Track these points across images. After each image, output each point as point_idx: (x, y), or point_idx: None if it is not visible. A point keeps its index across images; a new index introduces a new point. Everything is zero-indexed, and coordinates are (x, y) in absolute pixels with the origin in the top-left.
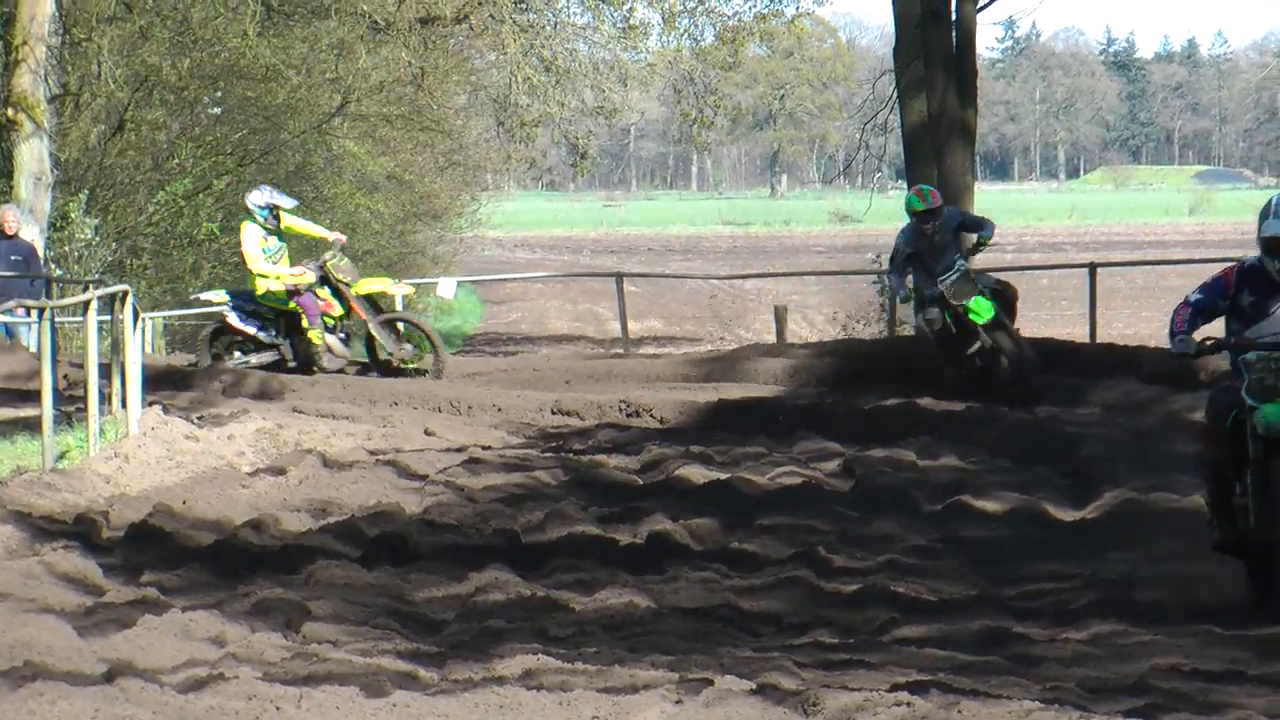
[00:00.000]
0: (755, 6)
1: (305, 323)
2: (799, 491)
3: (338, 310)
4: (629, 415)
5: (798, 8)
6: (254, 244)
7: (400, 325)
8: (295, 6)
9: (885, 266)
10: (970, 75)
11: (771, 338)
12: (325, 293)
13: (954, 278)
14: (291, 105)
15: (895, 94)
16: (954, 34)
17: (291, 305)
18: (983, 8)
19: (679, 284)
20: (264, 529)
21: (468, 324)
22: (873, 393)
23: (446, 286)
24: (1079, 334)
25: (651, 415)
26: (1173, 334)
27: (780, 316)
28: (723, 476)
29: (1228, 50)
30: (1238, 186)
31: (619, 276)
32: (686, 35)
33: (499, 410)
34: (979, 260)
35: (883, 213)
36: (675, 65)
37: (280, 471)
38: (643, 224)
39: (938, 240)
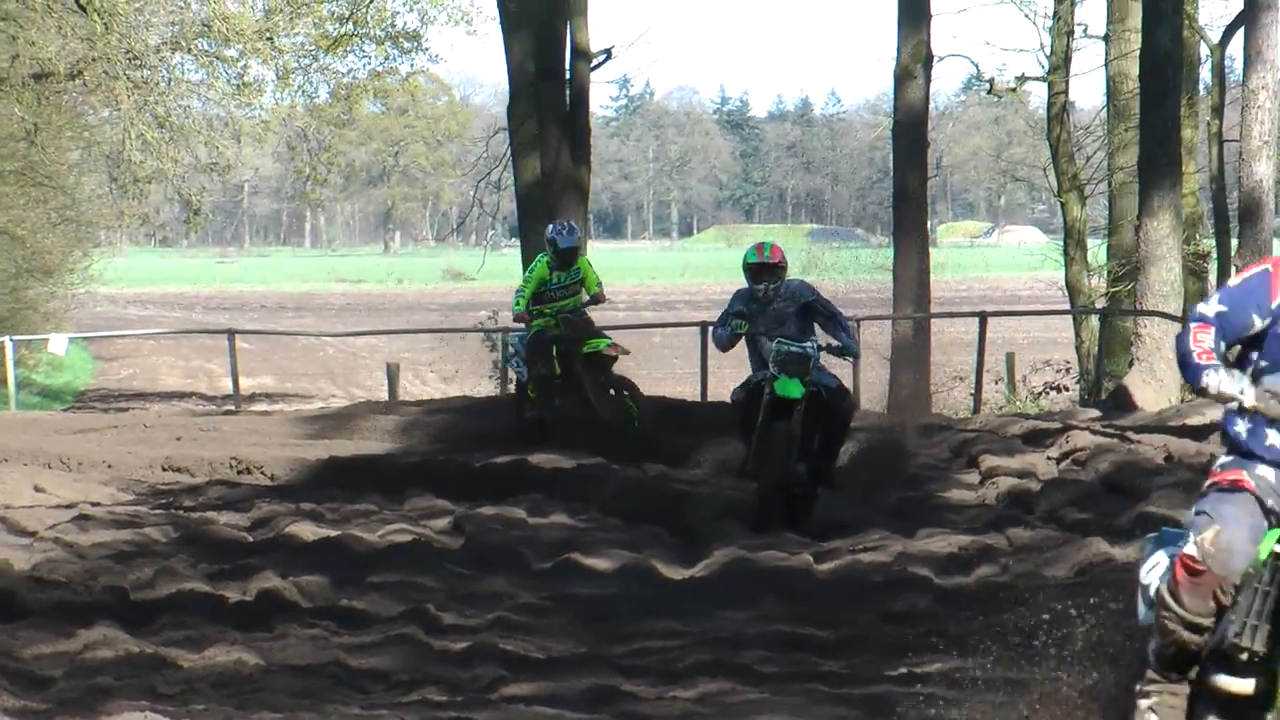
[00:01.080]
0: (370, 64)
1: None
2: (409, 549)
3: None
4: (239, 472)
5: (412, 65)
6: None
7: None
8: None
9: (518, 341)
10: (584, 133)
11: (384, 395)
12: None
13: (791, 348)
14: None
15: (509, 151)
16: (568, 92)
17: None
18: (596, 66)
19: (291, 341)
20: None
21: (79, 380)
22: (484, 450)
23: (58, 343)
24: (690, 392)
25: (262, 472)
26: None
27: (392, 374)
28: (333, 533)
29: (841, 110)
30: (849, 245)
31: (230, 333)
32: (301, 92)
33: (109, 466)
34: None
35: (496, 271)
36: (289, 122)
37: None
38: (256, 280)
39: (774, 308)
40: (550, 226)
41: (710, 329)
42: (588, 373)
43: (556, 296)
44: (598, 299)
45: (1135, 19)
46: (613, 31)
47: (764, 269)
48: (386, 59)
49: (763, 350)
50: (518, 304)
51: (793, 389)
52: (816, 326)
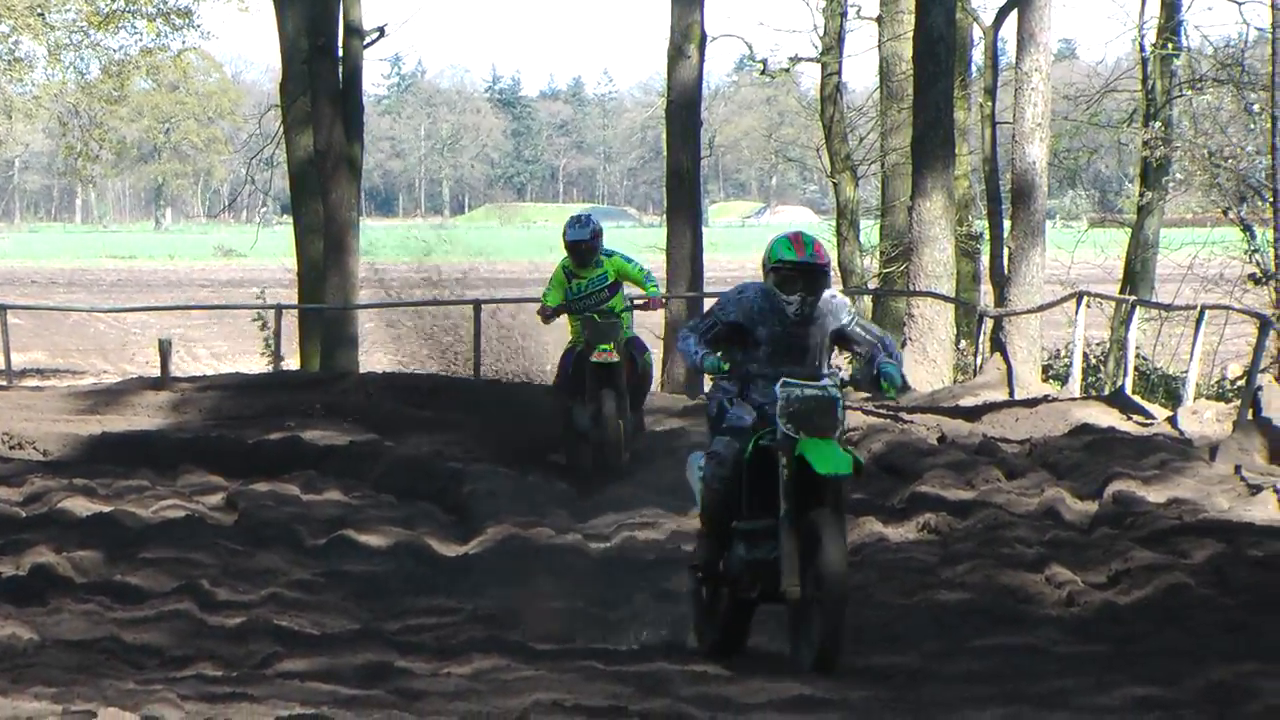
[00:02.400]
0: (141, 41)
1: None
2: (183, 524)
3: None
4: (12, 447)
5: (184, 42)
6: None
7: None
8: None
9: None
10: (357, 110)
11: (156, 371)
12: None
13: (809, 392)
14: None
15: (281, 129)
16: (340, 69)
17: None
18: (369, 44)
19: (63, 316)
20: None
21: None
22: (257, 427)
23: None
24: (463, 370)
25: (35, 448)
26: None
27: (165, 350)
28: (106, 509)
29: (613, 90)
30: (621, 224)
31: (1, 308)
32: (72, 68)
33: None
34: None
35: (268, 247)
36: (61, 98)
37: None
38: (26, 256)
39: (798, 331)
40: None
41: (679, 336)
42: (593, 384)
43: (587, 306)
44: (652, 304)
45: (909, 1)
46: (386, 9)
47: (805, 273)
48: (158, 36)
49: (753, 392)
50: (545, 301)
51: (827, 457)
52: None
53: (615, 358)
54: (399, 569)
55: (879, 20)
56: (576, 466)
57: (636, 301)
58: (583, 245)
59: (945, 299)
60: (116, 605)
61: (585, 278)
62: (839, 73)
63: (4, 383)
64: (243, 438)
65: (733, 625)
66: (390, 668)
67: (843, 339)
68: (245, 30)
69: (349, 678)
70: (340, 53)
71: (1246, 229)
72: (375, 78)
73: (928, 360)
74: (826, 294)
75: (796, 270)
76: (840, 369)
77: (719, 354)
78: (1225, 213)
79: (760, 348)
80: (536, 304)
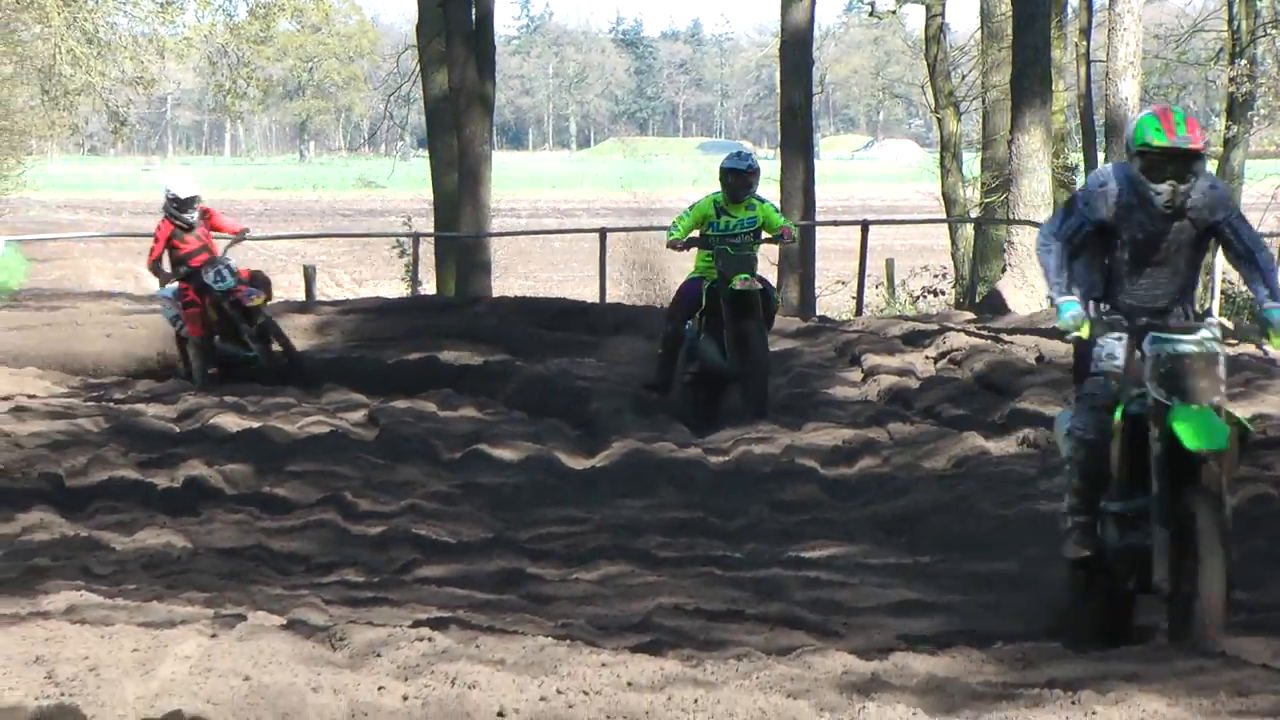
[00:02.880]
0: None
1: None
2: (327, 440)
3: None
4: (166, 367)
5: None
6: None
7: None
8: None
9: (670, 234)
10: (488, 50)
11: (301, 296)
12: None
13: (1186, 348)
14: None
15: (418, 68)
16: (473, 12)
17: None
18: None
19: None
20: None
21: (13, 281)
22: (396, 348)
23: None
24: (590, 294)
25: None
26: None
27: (309, 276)
28: (255, 425)
29: (730, 31)
30: None
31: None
32: (221, 11)
33: (44, 361)
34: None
35: (405, 179)
36: (210, 39)
37: None
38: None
39: (1169, 237)
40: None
41: (1038, 244)
42: (732, 315)
43: (726, 244)
44: (784, 235)
45: None
46: None
47: (1179, 156)
48: None
49: (1118, 286)
50: (672, 233)
51: (1202, 429)
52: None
53: (758, 285)
54: (529, 481)
55: None
56: (684, 402)
57: (765, 235)
58: (741, 175)
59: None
60: (264, 515)
61: (736, 216)
62: (942, 14)
63: (158, 306)
64: (382, 358)
65: (1114, 618)
66: (522, 574)
67: (1217, 235)
68: None
69: (483, 583)
70: None
71: None
72: (506, 19)
73: (1026, 285)
74: (1203, 183)
75: (1165, 156)
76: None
77: (1072, 306)
78: None
79: (1123, 249)
80: (658, 232)
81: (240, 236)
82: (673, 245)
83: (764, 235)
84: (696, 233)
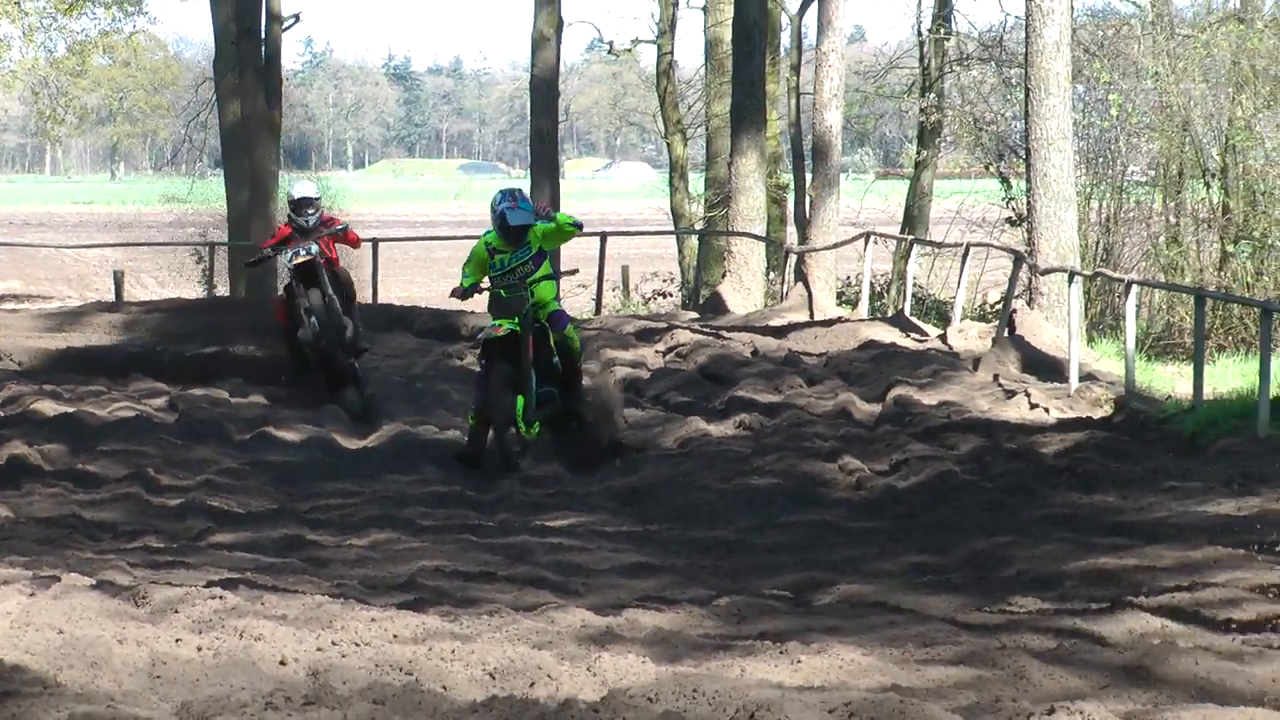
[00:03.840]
0: (100, 25)
1: None
2: (132, 423)
3: None
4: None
5: (135, 26)
6: None
7: None
8: None
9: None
10: (276, 83)
11: (111, 297)
12: None
13: None
14: None
15: (215, 98)
16: (263, 49)
17: None
18: (287, 28)
19: (35, 252)
20: None
21: None
22: (194, 342)
23: None
24: (364, 297)
25: (11, 359)
26: None
27: (118, 280)
28: (70, 410)
29: (487, 67)
30: (493, 176)
31: None
32: (43, 48)
33: None
34: None
35: (203, 196)
36: (33, 72)
37: None
38: (4, 202)
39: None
40: (496, 194)
41: None
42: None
43: (509, 283)
44: (545, 214)
45: None
46: None
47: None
48: (114, 20)
49: None
50: (463, 281)
51: None
52: None
53: (503, 332)
54: (310, 459)
55: (704, 9)
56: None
57: (561, 267)
58: (524, 230)
59: (758, 238)
60: (78, 489)
61: (509, 252)
62: (671, 52)
63: None
64: (182, 351)
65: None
66: (302, 540)
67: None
68: (185, 16)
69: (268, 549)
70: (263, 35)
71: (1004, 181)
72: (292, 55)
73: (743, 289)
74: None
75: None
76: None
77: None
78: (987, 168)
79: None
80: (424, 242)
81: (338, 231)
82: (456, 293)
83: (553, 266)
84: (487, 281)
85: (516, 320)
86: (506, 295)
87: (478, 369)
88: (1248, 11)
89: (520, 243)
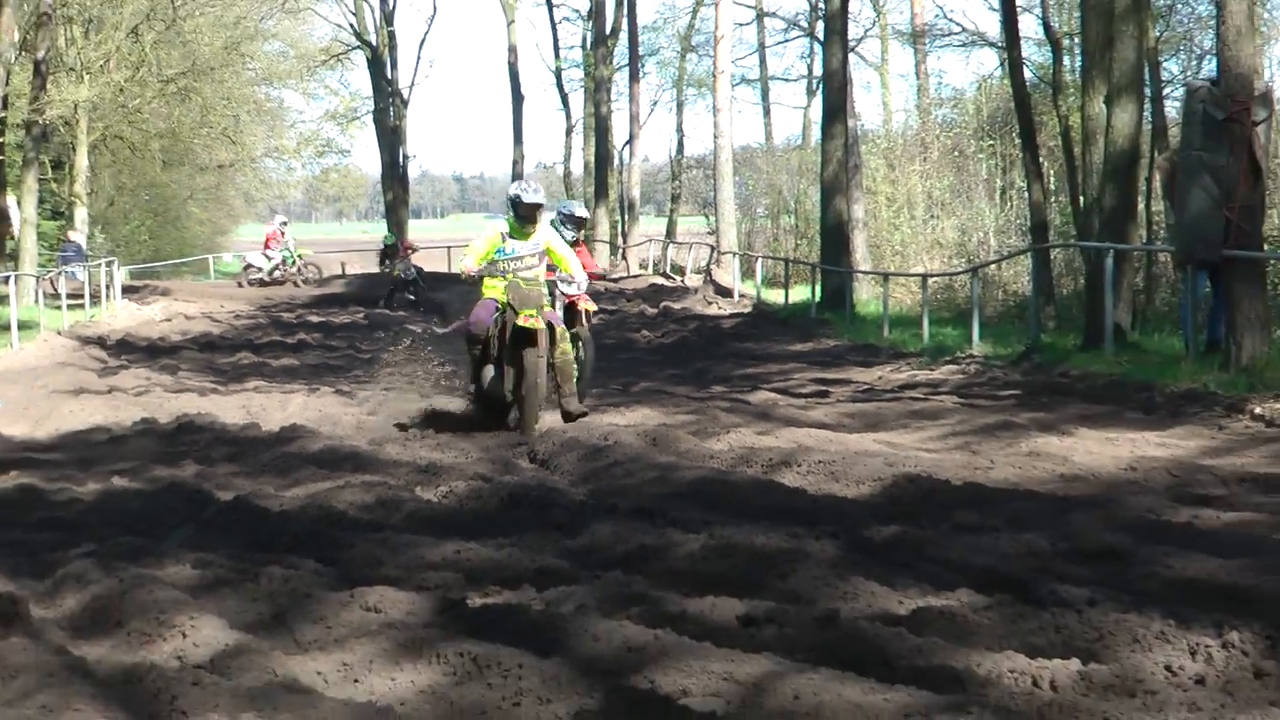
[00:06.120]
0: (333, 162)
1: None
2: (350, 325)
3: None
4: None
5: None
6: None
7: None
8: None
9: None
10: (407, 186)
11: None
12: None
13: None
14: None
15: (379, 190)
16: (402, 171)
17: None
18: (411, 159)
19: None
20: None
21: None
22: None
23: None
24: None
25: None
26: None
27: (343, 265)
28: (321, 319)
29: None
30: None
31: None
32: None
33: None
34: None
35: (379, 231)
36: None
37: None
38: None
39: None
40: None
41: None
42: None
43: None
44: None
45: None
46: None
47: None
48: (339, 158)
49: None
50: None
51: None
52: None
53: (532, 324)
54: None
55: (583, 146)
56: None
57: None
58: (536, 210)
59: (606, 242)
60: (327, 353)
61: (522, 239)
62: (569, 163)
63: None
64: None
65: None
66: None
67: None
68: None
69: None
70: (403, 166)
71: (707, 217)
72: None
73: (601, 262)
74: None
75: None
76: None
77: None
78: (702, 212)
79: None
80: None
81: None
82: (467, 275)
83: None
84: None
85: (537, 312)
86: (526, 286)
87: (480, 350)
88: (807, 141)
89: (533, 223)
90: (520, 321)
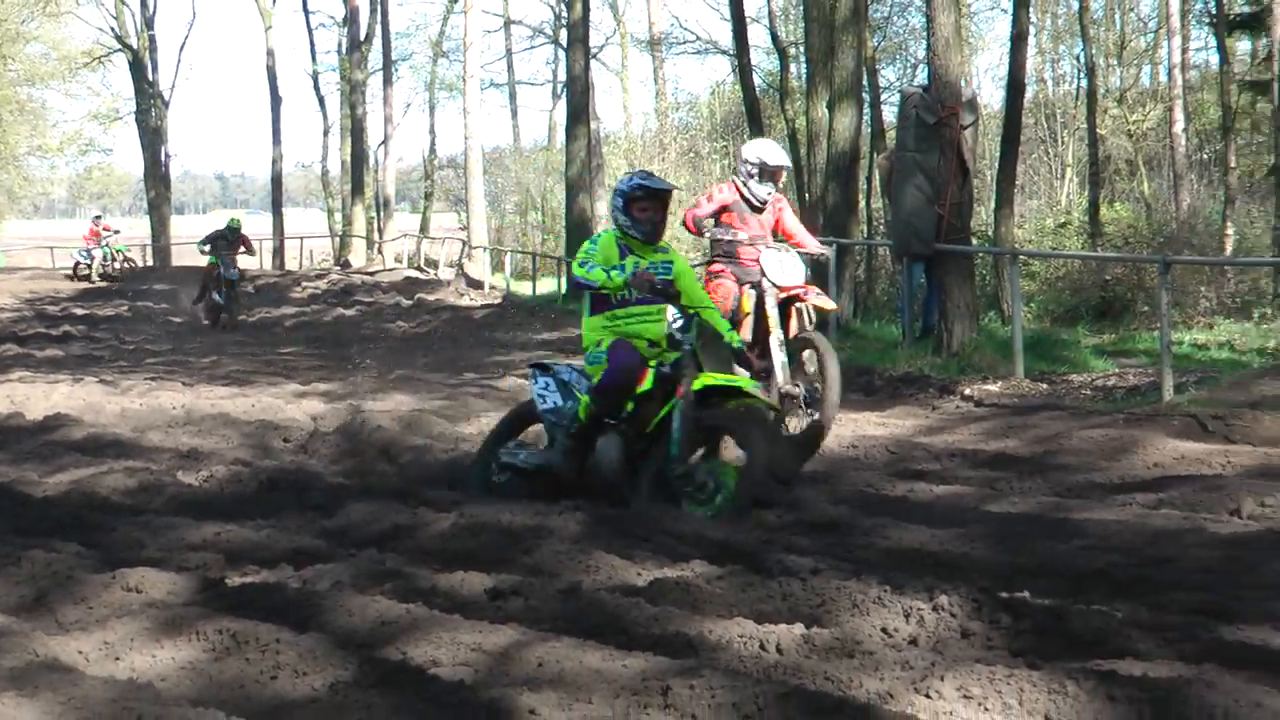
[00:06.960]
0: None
1: None
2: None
3: None
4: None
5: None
6: None
7: None
8: None
9: (583, 270)
10: None
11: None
12: None
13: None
14: None
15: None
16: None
17: None
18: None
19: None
20: None
21: None
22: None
23: None
24: None
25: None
26: None
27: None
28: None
29: None
30: None
31: None
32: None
33: None
34: None
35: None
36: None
37: None
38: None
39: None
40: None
41: None
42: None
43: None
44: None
45: None
46: None
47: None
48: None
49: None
50: (590, 271)
51: None
52: None
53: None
54: None
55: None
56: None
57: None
58: (666, 194)
59: (362, 237)
60: (91, 343)
61: (648, 259)
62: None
63: None
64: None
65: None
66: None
67: None
68: None
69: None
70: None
71: (459, 214)
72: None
73: (357, 257)
74: None
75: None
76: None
77: None
78: (456, 210)
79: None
80: None
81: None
82: (609, 287)
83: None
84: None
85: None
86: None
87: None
88: (553, 143)
89: (659, 236)
90: (650, 360)
